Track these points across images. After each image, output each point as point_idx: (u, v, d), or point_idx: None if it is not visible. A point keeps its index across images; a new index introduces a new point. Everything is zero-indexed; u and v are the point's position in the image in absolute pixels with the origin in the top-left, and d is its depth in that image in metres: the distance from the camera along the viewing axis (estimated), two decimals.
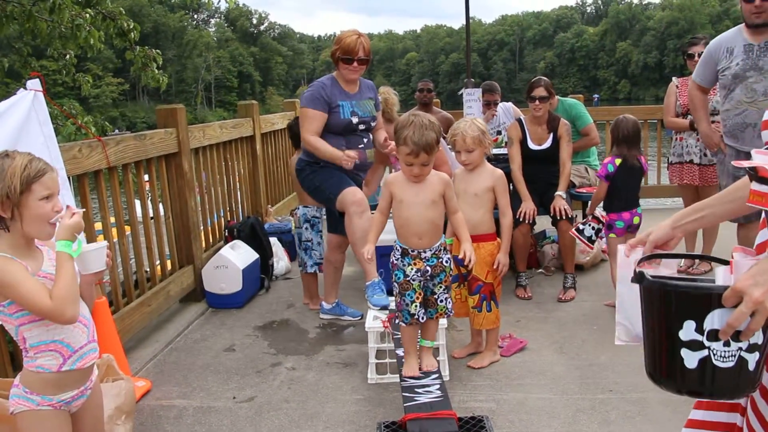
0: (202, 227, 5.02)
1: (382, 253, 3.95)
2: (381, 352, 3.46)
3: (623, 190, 4.21)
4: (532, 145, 4.81)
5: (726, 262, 1.38)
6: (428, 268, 3.07)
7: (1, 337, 2.92)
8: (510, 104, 6.33)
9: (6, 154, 1.88)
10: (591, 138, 5.47)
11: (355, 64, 3.95)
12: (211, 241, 5.22)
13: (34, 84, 2.93)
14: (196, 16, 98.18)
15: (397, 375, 3.22)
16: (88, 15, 6.00)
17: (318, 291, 4.63)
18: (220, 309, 4.65)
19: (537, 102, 4.72)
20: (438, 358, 3.30)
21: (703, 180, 4.94)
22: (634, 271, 1.45)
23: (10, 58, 7.30)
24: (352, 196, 3.84)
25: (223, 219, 5.51)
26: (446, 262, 3.12)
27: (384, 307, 3.58)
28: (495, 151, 5.41)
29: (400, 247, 3.11)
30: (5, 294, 1.85)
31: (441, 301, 3.14)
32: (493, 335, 3.62)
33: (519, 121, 4.95)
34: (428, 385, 2.98)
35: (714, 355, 1.30)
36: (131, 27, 6.47)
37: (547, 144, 4.79)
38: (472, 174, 3.59)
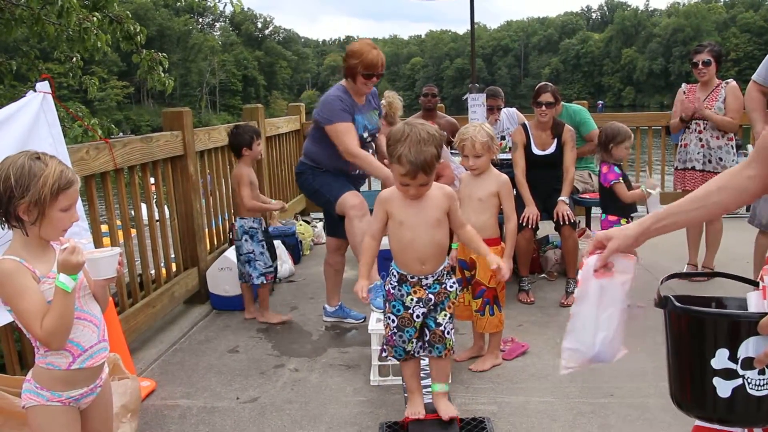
0: (206, 229, 5.05)
1: (385, 256, 3.97)
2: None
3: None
4: (536, 151, 4.83)
5: (752, 282, 1.36)
6: (431, 296, 2.75)
7: (10, 337, 2.95)
8: (514, 110, 6.35)
9: (37, 157, 1.88)
10: (595, 144, 5.48)
11: (375, 79, 3.96)
12: (215, 243, 5.25)
13: (44, 86, 2.96)
14: (201, 20, 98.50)
15: (400, 377, 3.24)
16: (95, 18, 6.05)
17: (268, 303, 4.57)
18: (224, 311, 4.68)
19: (543, 107, 4.75)
20: None
21: None
22: (657, 295, 1.40)
23: (17, 60, 7.33)
24: (351, 199, 3.87)
25: (227, 221, 5.53)
26: (450, 287, 2.79)
27: None
28: (498, 156, 5.44)
29: (398, 272, 2.77)
30: (8, 302, 1.88)
31: (448, 333, 2.79)
32: (495, 339, 3.63)
33: (523, 126, 4.98)
34: (430, 387, 3.00)
35: (749, 383, 1.26)
36: (138, 30, 6.51)
37: (551, 149, 4.82)
38: (477, 179, 3.61)
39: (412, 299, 2.74)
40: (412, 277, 2.73)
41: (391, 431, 2.85)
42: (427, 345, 2.80)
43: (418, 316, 2.74)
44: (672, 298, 1.37)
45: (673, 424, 2.90)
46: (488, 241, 3.48)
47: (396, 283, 2.77)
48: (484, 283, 3.52)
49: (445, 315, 2.77)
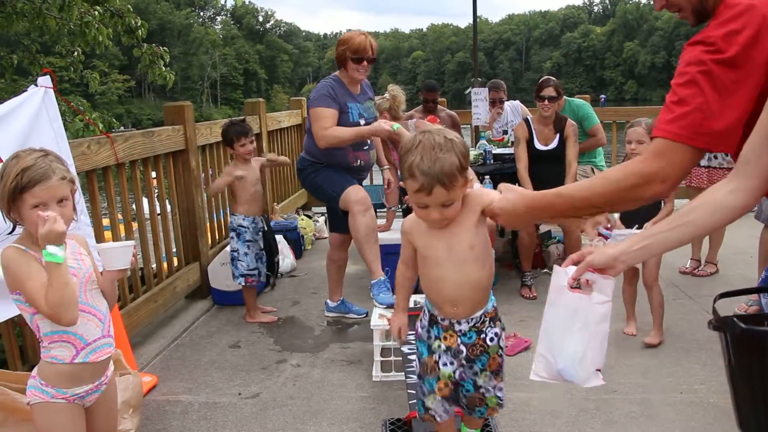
0: (208, 224, 5.04)
1: (387, 251, 3.97)
2: (386, 350, 3.46)
3: None
4: (538, 145, 4.82)
5: None
6: (462, 347, 2.13)
7: (11, 332, 2.94)
8: (518, 103, 6.34)
9: (17, 155, 1.90)
10: (598, 139, 5.48)
11: (365, 63, 3.95)
12: (217, 238, 5.24)
13: (45, 81, 2.95)
14: (202, 14, 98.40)
15: (402, 373, 3.23)
16: (96, 12, 6.03)
17: (255, 303, 4.44)
18: (225, 306, 4.68)
19: (546, 102, 4.73)
20: None
21: (711, 182, 4.93)
22: (714, 315, 1.34)
23: (18, 54, 7.33)
24: (355, 194, 3.85)
25: (229, 216, 5.52)
26: (491, 339, 2.14)
27: (390, 306, 3.59)
28: (500, 150, 5.43)
29: (428, 311, 2.21)
30: (14, 286, 1.89)
31: (489, 392, 2.20)
32: None
33: (526, 120, 4.96)
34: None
35: None
36: (139, 24, 6.50)
37: (554, 144, 4.80)
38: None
39: (439, 344, 2.16)
40: (443, 320, 2.15)
41: (394, 428, 2.84)
42: (465, 408, 2.27)
43: (445, 364, 2.15)
44: (735, 318, 1.28)
45: (677, 420, 2.89)
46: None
47: (426, 323, 2.21)
48: None
49: (487, 375, 2.17)
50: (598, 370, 1.59)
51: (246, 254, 4.27)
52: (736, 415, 1.35)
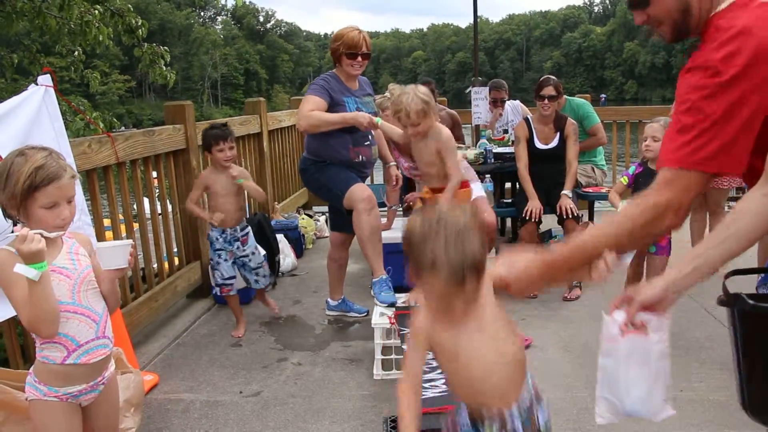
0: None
1: (389, 250, 3.97)
2: (387, 348, 3.47)
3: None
4: (538, 144, 4.82)
5: None
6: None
7: (13, 331, 2.95)
8: (518, 102, 6.35)
9: (22, 152, 1.87)
10: (598, 138, 5.48)
11: (359, 58, 3.97)
12: None
13: (45, 80, 2.95)
14: (203, 14, 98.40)
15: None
16: (97, 11, 6.03)
17: (239, 312, 4.22)
18: (226, 305, 4.67)
19: (546, 101, 4.74)
20: None
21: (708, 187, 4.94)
22: (723, 291, 1.33)
23: (18, 54, 7.32)
24: (360, 192, 3.85)
25: None
26: (544, 422, 1.77)
27: (391, 305, 3.60)
28: (501, 149, 5.44)
29: (466, 407, 1.76)
30: (4, 291, 1.88)
31: None
32: None
33: (526, 120, 4.97)
34: (434, 380, 2.99)
35: None
36: (139, 24, 6.50)
37: (554, 143, 4.81)
38: (422, 142, 3.66)
39: None
40: (490, 418, 1.70)
41: (395, 425, 2.84)
42: None
43: None
44: (744, 295, 1.30)
45: (677, 417, 2.88)
46: (442, 188, 3.69)
47: (468, 425, 1.74)
48: None
49: None
50: (665, 399, 1.56)
51: (219, 263, 4.05)
52: (739, 395, 1.35)
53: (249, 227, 4.19)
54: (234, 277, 4.10)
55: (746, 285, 1.56)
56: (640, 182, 4.07)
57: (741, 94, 1.42)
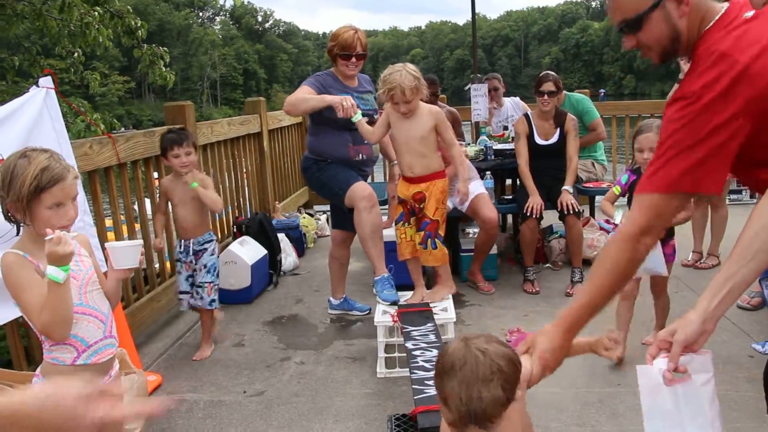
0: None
1: (390, 248, 3.97)
2: (390, 346, 3.47)
3: None
4: (539, 140, 4.82)
5: None
6: None
7: (16, 332, 2.95)
8: (518, 99, 6.35)
9: (24, 154, 1.87)
10: (598, 133, 5.48)
11: (354, 59, 3.97)
12: (219, 237, 5.25)
13: (46, 81, 2.96)
14: (201, 14, 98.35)
15: (406, 369, 3.24)
16: (96, 13, 6.04)
17: (216, 326, 4.06)
18: (229, 304, 4.67)
19: (545, 96, 4.74)
20: None
21: None
22: None
23: (19, 56, 7.34)
24: (361, 191, 3.84)
25: (231, 215, 5.53)
26: None
27: (393, 303, 3.60)
28: (501, 146, 5.43)
29: None
30: (12, 294, 1.88)
31: None
32: (444, 270, 3.76)
33: (526, 116, 4.97)
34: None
35: None
36: (138, 25, 6.51)
37: (554, 139, 4.81)
38: (412, 119, 3.59)
39: None
40: None
41: (400, 423, 2.84)
42: None
43: None
44: None
45: None
46: (436, 174, 3.66)
47: None
48: (429, 216, 3.62)
49: None
50: None
51: (178, 274, 3.85)
52: None
53: (213, 241, 3.88)
54: (187, 293, 3.83)
55: None
56: (634, 190, 3.89)
57: (718, 116, 1.46)
